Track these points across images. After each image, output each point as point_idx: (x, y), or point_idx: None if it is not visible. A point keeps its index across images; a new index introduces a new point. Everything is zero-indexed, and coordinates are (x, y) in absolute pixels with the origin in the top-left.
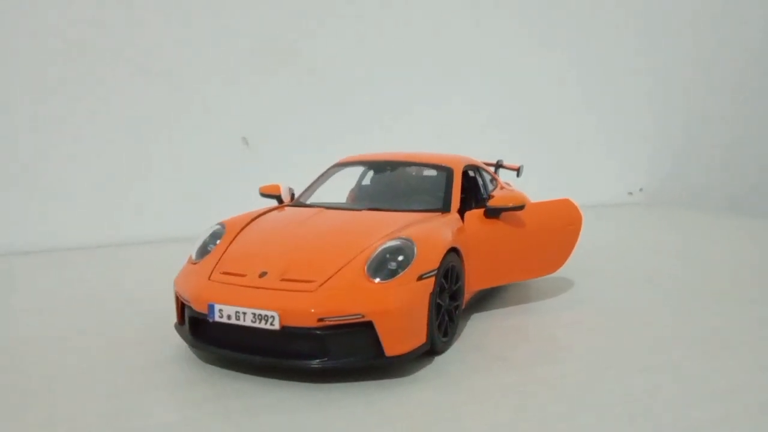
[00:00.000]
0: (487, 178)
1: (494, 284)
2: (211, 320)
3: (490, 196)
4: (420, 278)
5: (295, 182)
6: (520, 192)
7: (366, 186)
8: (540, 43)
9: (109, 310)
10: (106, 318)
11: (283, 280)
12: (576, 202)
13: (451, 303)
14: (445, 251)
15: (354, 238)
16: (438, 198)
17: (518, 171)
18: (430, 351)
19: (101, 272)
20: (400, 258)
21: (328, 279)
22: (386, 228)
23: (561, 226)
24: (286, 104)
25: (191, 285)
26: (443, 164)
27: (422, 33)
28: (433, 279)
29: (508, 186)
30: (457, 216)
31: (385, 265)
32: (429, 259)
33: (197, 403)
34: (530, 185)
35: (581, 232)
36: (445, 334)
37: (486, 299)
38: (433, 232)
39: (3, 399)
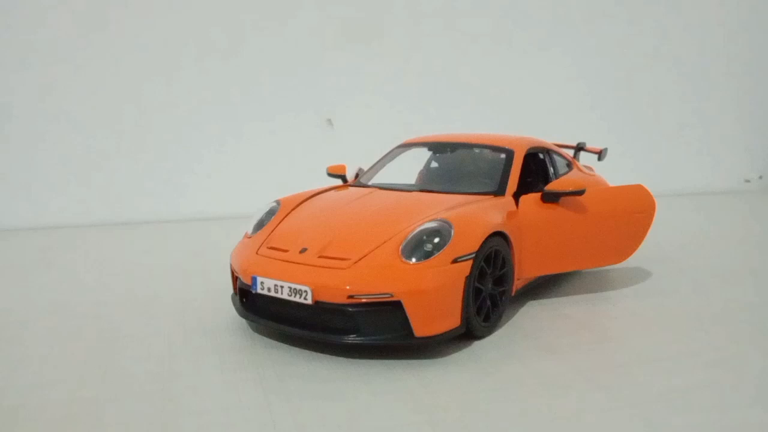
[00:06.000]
0: (561, 161)
1: (551, 272)
2: (253, 291)
3: None
4: (455, 261)
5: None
6: (590, 176)
7: (431, 168)
8: (630, 17)
9: (173, 280)
10: (172, 287)
11: (320, 257)
12: (649, 188)
13: (496, 288)
14: (486, 235)
15: (394, 218)
16: (494, 180)
17: (600, 154)
18: (468, 335)
19: (160, 245)
20: (437, 240)
21: (362, 258)
22: (430, 210)
23: (630, 214)
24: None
25: (242, 258)
26: (505, 146)
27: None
28: (470, 262)
29: (590, 170)
30: (511, 200)
31: (421, 246)
32: (467, 242)
33: (237, 369)
34: (623, 171)
35: (654, 222)
36: (486, 319)
37: (543, 287)
38: (476, 215)
39: (74, 346)
